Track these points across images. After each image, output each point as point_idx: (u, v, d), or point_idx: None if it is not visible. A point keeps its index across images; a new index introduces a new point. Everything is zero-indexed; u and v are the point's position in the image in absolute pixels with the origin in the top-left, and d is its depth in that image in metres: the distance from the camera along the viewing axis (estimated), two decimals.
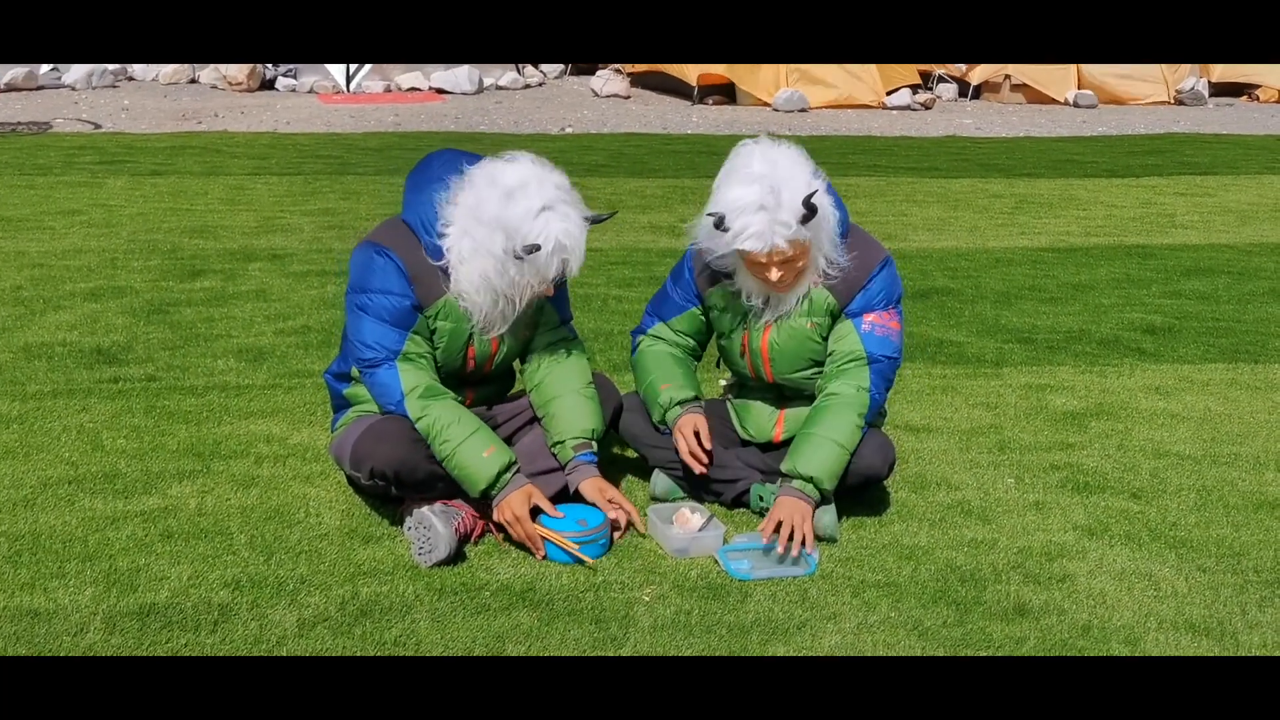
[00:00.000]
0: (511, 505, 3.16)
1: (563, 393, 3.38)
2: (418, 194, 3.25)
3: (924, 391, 4.60)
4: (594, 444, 3.35)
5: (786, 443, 3.46)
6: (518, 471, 3.21)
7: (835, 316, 3.37)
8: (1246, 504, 3.71)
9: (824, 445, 3.27)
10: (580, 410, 3.36)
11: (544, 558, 3.18)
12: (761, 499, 3.47)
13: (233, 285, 5.72)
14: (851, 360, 3.34)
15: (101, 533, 3.24)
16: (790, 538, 3.15)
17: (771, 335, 3.41)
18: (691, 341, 3.56)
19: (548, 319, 3.47)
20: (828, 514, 3.35)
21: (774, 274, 3.23)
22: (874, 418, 3.41)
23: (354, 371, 3.33)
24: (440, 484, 3.25)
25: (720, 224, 3.16)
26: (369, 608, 2.93)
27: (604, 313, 5.52)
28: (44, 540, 3.18)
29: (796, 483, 3.25)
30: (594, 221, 3.22)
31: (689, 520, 3.29)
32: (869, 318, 3.35)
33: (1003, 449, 4.08)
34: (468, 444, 3.14)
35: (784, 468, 3.29)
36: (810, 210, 3.12)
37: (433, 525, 3.13)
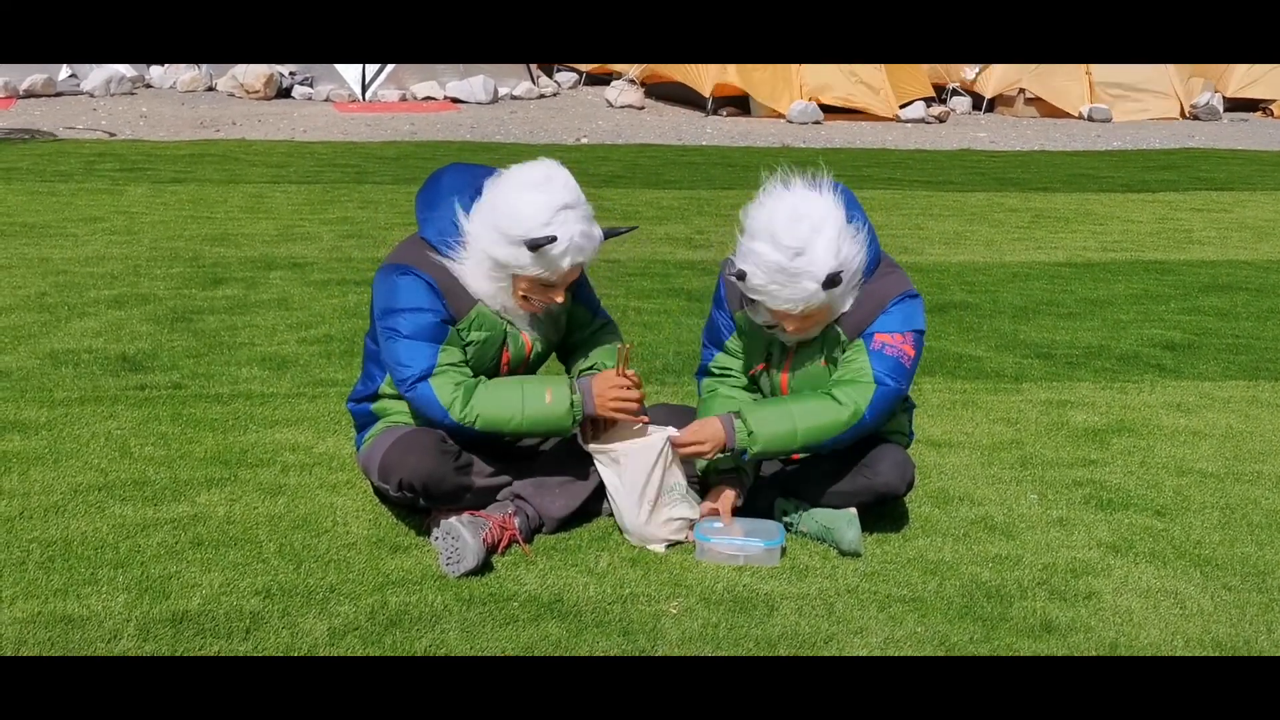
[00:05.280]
0: (604, 400, 3.21)
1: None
2: (433, 210, 3.26)
3: (944, 406, 4.61)
4: None
5: (803, 459, 3.48)
6: (574, 382, 3.26)
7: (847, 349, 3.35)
8: (1270, 522, 3.72)
9: (786, 435, 3.23)
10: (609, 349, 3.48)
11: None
12: (785, 514, 3.49)
13: (254, 294, 5.75)
14: (858, 379, 3.27)
15: (132, 539, 3.26)
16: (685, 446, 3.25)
17: (789, 376, 3.40)
18: None
19: (579, 318, 3.52)
20: (852, 529, 3.36)
21: (790, 325, 3.23)
22: (864, 433, 3.33)
23: (383, 389, 3.37)
24: (468, 495, 3.28)
25: (742, 278, 3.17)
26: (398, 617, 2.95)
27: (623, 324, 5.51)
28: (76, 547, 3.20)
29: (739, 424, 3.23)
30: (611, 235, 3.27)
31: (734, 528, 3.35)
32: (881, 337, 3.26)
33: (1025, 465, 4.09)
34: (528, 408, 3.18)
35: (744, 411, 3.26)
36: (831, 284, 3.10)
37: (461, 535, 3.15)
